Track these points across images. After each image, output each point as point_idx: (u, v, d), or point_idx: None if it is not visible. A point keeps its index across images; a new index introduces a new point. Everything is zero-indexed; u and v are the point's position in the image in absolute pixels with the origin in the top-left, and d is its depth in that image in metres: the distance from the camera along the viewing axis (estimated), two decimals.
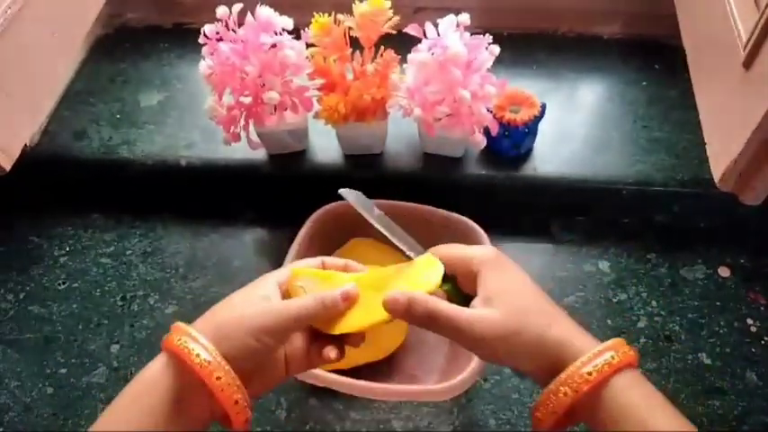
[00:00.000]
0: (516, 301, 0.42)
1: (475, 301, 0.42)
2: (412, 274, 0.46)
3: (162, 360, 0.41)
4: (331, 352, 0.44)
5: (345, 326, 0.43)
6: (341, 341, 0.45)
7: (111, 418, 0.39)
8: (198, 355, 0.39)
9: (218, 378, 0.39)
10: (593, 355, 0.38)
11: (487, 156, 0.79)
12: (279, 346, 0.43)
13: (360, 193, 0.53)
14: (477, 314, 0.41)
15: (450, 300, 0.45)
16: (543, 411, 0.39)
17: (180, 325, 0.42)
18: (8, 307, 0.77)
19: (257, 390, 0.43)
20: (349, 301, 0.44)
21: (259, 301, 0.43)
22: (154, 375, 0.40)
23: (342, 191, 0.52)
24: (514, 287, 0.43)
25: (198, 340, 0.40)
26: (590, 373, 0.37)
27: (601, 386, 0.37)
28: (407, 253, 0.49)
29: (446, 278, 0.45)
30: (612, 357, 0.38)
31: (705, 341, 0.71)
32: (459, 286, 0.46)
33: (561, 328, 0.41)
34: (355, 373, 0.65)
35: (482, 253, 0.44)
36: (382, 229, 0.51)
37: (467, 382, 0.57)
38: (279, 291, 0.44)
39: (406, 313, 0.41)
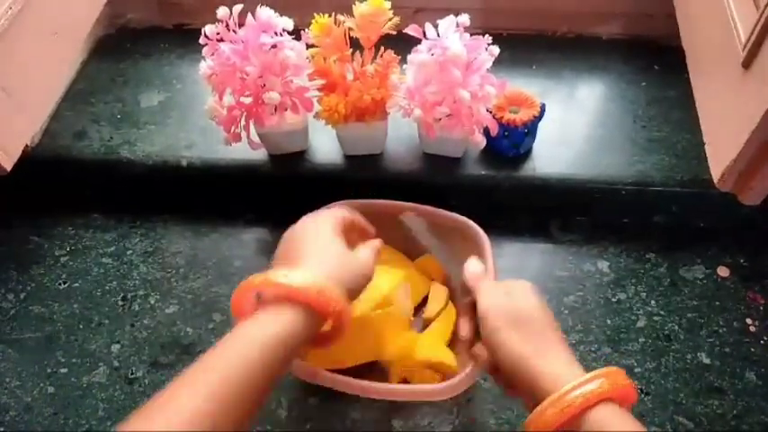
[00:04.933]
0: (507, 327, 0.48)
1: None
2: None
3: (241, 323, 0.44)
4: None
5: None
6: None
7: (199, 366, 0.42)
8: (285, 275, 0.44)
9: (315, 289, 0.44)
10: (584, 381, 0.42)
11: (487, 156, 0.79)
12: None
13: (422, 220, 0.65)
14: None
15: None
16: (552, 413, 0.41)
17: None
18: (9, 307, 0.77)
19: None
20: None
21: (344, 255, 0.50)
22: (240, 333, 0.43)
23: (402, 218, 0.65)
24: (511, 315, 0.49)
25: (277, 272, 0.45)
26: (577, 398, 0.41)
27: (592, 408, 0.41)
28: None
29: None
30: (601, 386, 0.41)
31: (704, 341, 0.72)
32: None
33: (546, 362, 0.45)
34: (355, 372, 0.65)
35: (488, 306, 0.51)
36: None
37: (467, 381, 0.58)
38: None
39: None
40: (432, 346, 0.66)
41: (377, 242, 0.54)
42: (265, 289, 0.45)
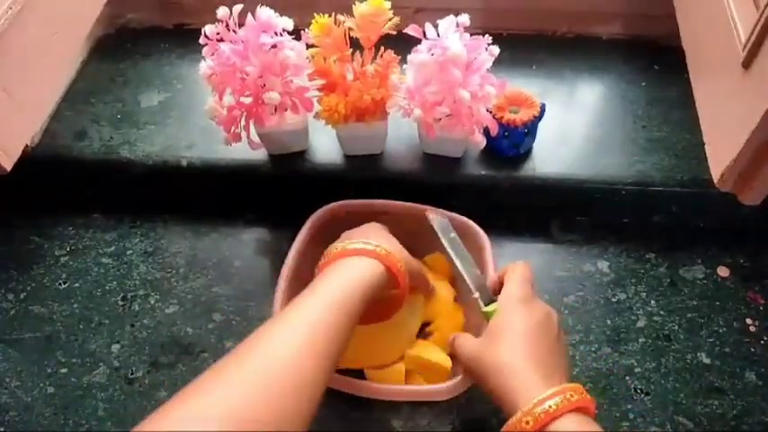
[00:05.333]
0: (495, 352, 0.51)
1: (485, 331, 0.55)
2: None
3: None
4: None
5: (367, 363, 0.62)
6: None
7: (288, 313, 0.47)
8: (359, 242, 0.55)
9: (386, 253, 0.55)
10: (551, 393, 0.45)
11: (487, 156, 0.79)
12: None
13: (446, 220, 0.65)
14: (465, 350, 0.55)
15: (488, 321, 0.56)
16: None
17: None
18: (9, 307, 0.77)
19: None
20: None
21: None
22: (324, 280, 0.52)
23: (429, 215, 0.66)
24: (508, 337, 0.52)
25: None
26: (550, 407, 0.45)
27: (553, 421, 0.44)
28: (469, 285, 0.60)
29: (491, 300, 0.58)
30: (572, 395, 0.45)
31: (704, 341, 0.72)
32: None
33: (521, 377, 0.48)
34: (355, 372, 0.65)
35: (507, 293, 0.56)
36: (452, 257, 0.61)
37: (467, 382, 0.58)
38: None
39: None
40: (426, 347, 0.66)
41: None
42: (344, 253, 0.54)
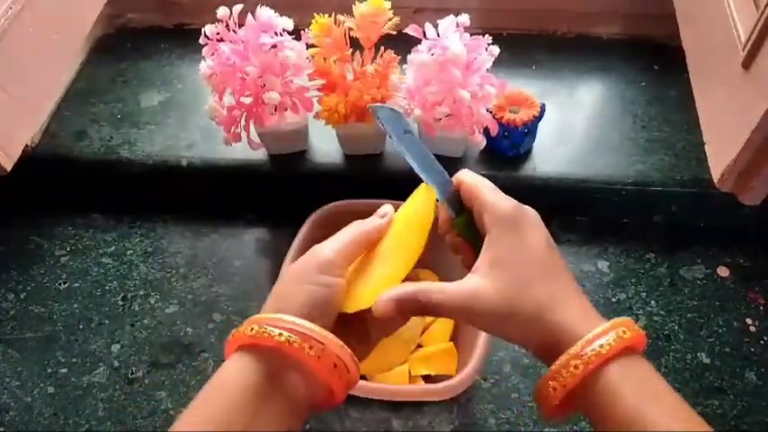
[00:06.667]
0: (517, 274, 0.38)
1: (477, 263, 0.39)
2: (408, 214, 0.46)
3: (234, 358, 0.37)
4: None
5: (360, 302, 0.41)
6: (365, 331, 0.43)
7: (187, 419, 0.35)
8: (280, 334, 0.36)
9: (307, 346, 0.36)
10: (605, 329, 0.36)
11: (487, 156, 0.79)
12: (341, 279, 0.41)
13: (398, 111, 0.47)
14: (471, 289, 0.38)
15: (461, 235, 0.44)
16: (554, 385, 0.36)
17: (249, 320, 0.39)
18: (9, 306, 0.77)
19: None
20: (387, 216, 0.46)
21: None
22: (229, 372, 0.37)
23: (371, 107, 0.48)
24: (521, 257, 0.39)
25: (270, 320, 0.37)
26: (602, 346, 0.35)
27: (610, 361, 0.35)
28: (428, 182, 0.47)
29: (462, 209, 0.44)
30: (624, 332, 0.36)
31: (704, 341, 0.72)
32: (473, 221, 0.43)
33: (563, 312, 0.38)
34: None
35: (496, 210, 0.41)
36: (405, 154, 0.48)
37: (466, 381, 0.58)
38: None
39: (399, 312, 0.39)
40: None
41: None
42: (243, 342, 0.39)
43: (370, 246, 0.44)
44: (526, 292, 0.38)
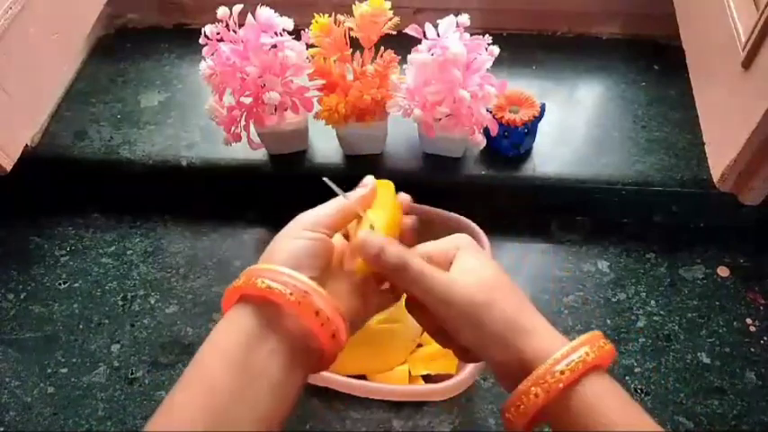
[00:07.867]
0: (491, 279, 0.40)
1: (450, 271, 0.41)
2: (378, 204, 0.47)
3: (229, 312, 0.39)
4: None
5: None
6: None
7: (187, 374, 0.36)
8: (262, 281, 0.37)
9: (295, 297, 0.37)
10: (568, 350, 0.36)
11: (487, 156, 0.79)
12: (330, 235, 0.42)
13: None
14: (450, 276, 0.40)
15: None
16: (514, 413, 0.37)
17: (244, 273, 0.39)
18: (9, 306, 0.77)
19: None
20: (369, 186, 0.47)
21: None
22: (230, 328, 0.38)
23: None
24: (489, 269, 0.41)
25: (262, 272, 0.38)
26: (562, 372, 0.35)
27: (573, 385, 0.35)
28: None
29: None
30: (587, 354, 0.36)
31: (704, 341, 0.72)
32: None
33: (531, 317, 0.39)
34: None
35: (459, 239, 0.44)
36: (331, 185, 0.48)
37: (466, 381, 0.58)
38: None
39: (377, 258, 0.39)
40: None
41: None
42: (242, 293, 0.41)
43: (353, 215, 0.45)
44: (500, 294, 0.40)
